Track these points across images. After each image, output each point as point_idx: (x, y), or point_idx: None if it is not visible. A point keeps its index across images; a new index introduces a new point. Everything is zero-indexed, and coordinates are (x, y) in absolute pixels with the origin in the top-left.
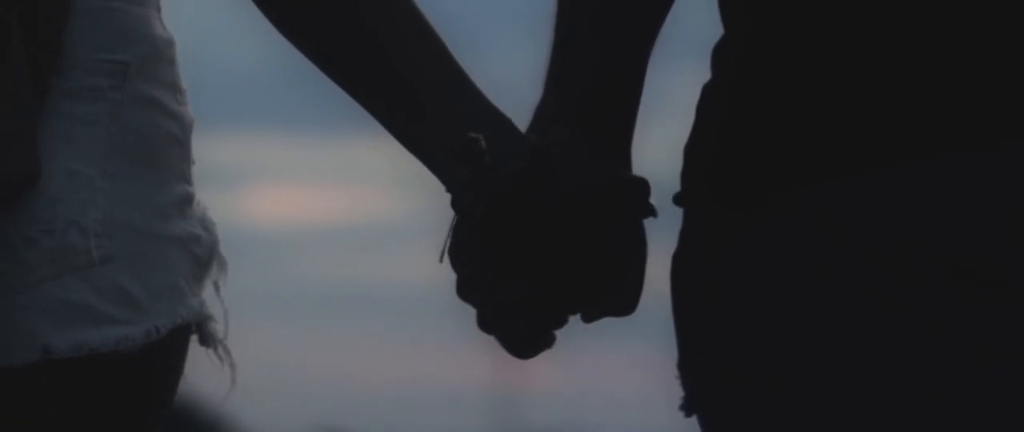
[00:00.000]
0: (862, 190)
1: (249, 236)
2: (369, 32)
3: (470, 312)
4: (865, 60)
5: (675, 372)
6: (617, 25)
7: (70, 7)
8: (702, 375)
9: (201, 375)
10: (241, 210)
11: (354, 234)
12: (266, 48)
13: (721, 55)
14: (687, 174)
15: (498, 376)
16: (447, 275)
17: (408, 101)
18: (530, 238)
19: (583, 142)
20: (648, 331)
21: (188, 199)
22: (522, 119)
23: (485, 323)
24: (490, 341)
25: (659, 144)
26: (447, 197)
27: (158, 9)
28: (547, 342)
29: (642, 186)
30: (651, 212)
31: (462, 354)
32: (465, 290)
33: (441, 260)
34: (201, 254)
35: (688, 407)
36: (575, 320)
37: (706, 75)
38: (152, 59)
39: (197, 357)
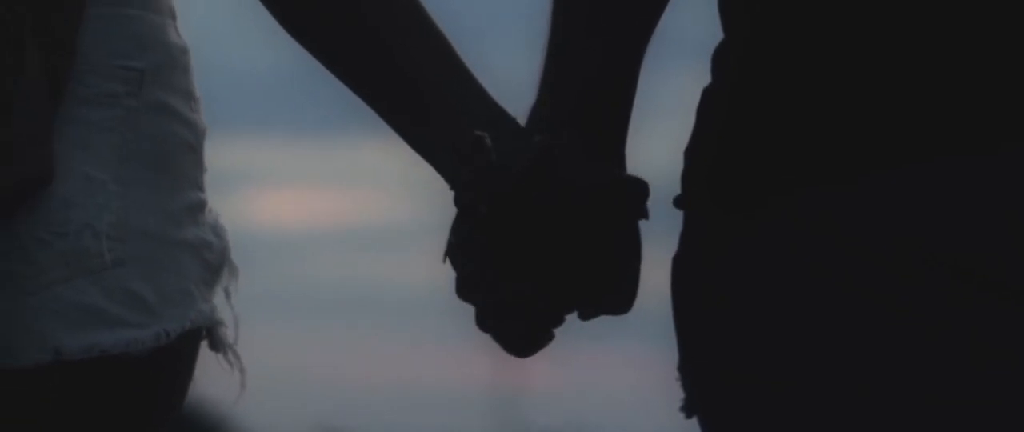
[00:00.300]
0: (862, 192)
1: (251, 238)
2: (374, 30)
3: (470, 313)
4: (865, 62)
5: (675, 373)
6: (612, 27)
7: (84, 9)
8: (703, 377)
9: (204, 377)
10: (243, 212)
11: (355, 236)
12: (269, 52)
13: (721, 59)
14: (687, 177)
15: (498, 377)
16: (447, 276)
17: (413, 99)
18: (531, 237)
19: (580, 144)
20: (648, 332)
21: (200, 205)
22: (523, 119)
23: (484, 322)
24: (490, 341)
25: (657, 146)
26: (449, 199)
27: (173, 17)
28: (545, 341)
29: (641, 187)
30: (645, 214)
31: (462, 355)
32: (465, 289)
33: (444, 260)
34: (212, 260)
35: (688, 409)
36: (575, 321)
37: (703, 78)
38: (167, 66)
39: (201, 359)
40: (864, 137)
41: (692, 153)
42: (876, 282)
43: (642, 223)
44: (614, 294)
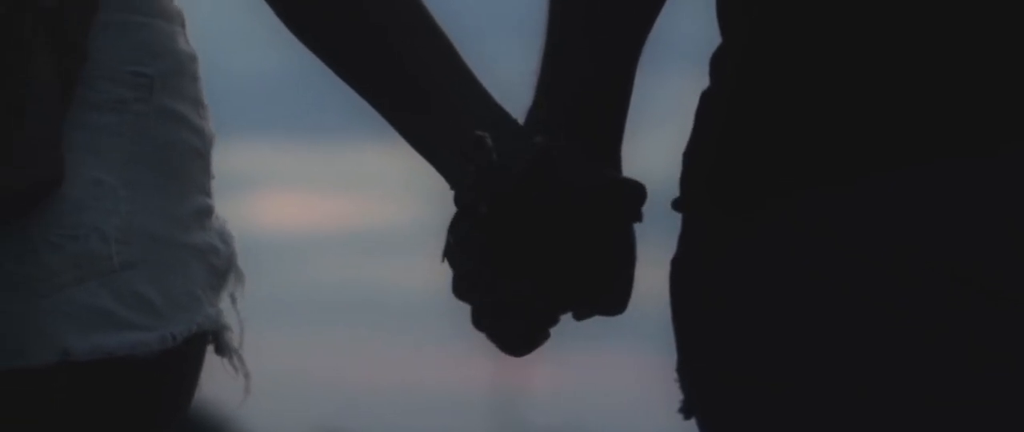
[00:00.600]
0: (861, 195)
1: (254, 241)
2: (377, 28)
3: (470, 319)
4: (864, 65)
5: (674, 375)
6: (608, 28)
7: (96, 14)
8: (701, 378)
9: (206, 379)
10: (246, 216)
11: (358, 240)
12: (272, 55)
13: (719, 62)
14: (686, 179)
15: (498, 378)
16: (448, 279)
17: (415, 98)
18: (530, 237)
19: (577, 146)
20: (647, 333)
21: (207, 211)
22: (521, 119)
23: (480, 321)
24: (487, 341)
25: (654, 150)
26: (452, 203)
27: (183, 25)
28: (542, 340)
29: (639, 189)
30: (639, 217)
31: (463, 357)
32: (462, 288)
33: (442, 259)
34: (219, 265)
35: (687, 410)
36: (574, 323)
37: (700, 82)
38: (176, 73)
39: (205, 362)
40: (863, 139)
41: (691, 156)
42: (875, 285)
43: (639, 225)
44: (610, 294)
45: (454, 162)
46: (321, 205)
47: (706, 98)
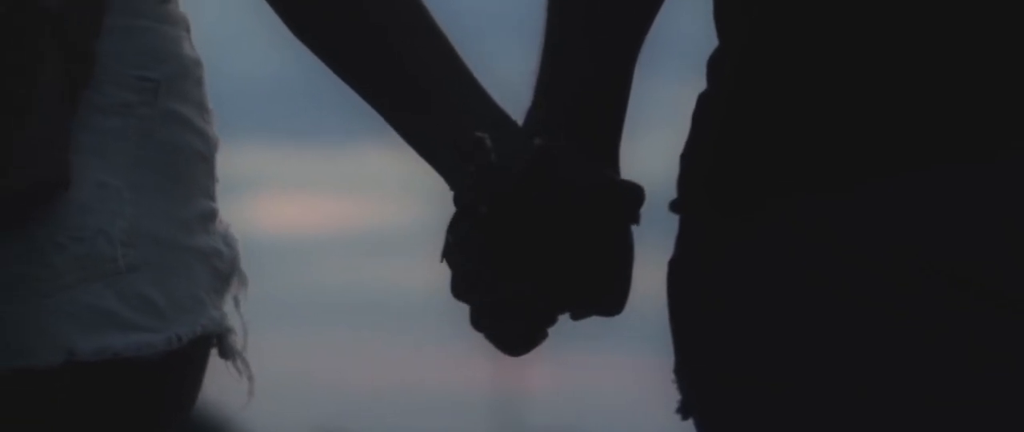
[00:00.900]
0: (859, 199)
1: (256, 243)
2: (376, 29)
3: (469, 320)
4: (863, 70)
5: (671, 376)
6: (607, 30)
7: (103, 18)
8: (700, 379)
9: (208, 380)
10: (248, 217)
11: (358, 241)
12: (274, 59)
13: (717, 65)
14: (684, 181)
15: (498, 380)
16: (447, 279)
17: (414, 99)
18: (530, 237)
19: (576, 146)
20: (646, 335)
21: (212, 215)
22: (520, 119)
23: (479, 321)
24: (490, 346)
25: (650, 152)
26: (451, 203)
27: (188, 30)
28: (540, 340)
29: (637, 191)
30: (637, 219)
31: (463, 358)
32: (462, 289)
33: (442, 259)
34: (222, 268)
35: (684, 410)
36: (573, 326)
37: (695, 85)
38: (181, 78)
39: (208, 363)
40: (861, 145)
41: (688, 158)
42: (873, 289)
43: (637, 227)
44: (609, 295)
45: (453, 162)
46: (322, 207)
47: (703, 100)
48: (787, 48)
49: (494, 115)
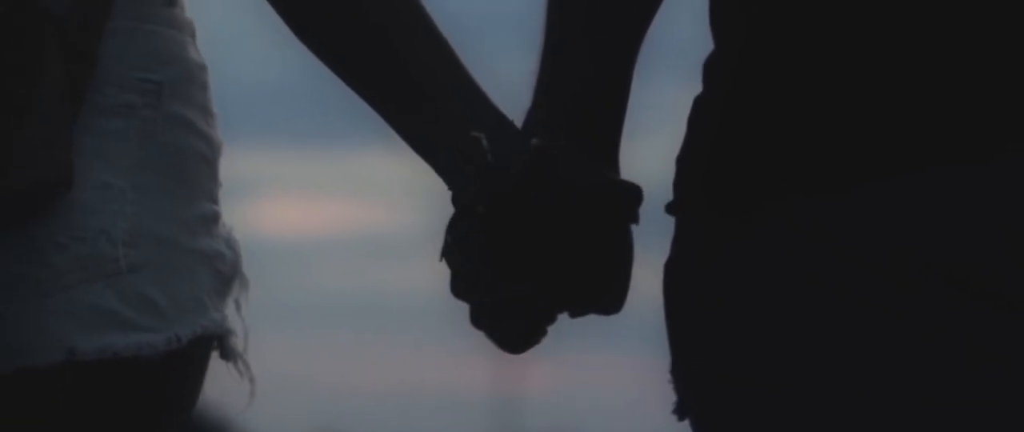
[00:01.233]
0: (857, 201)
1: (257, 246)
2: (376, 29)
3: (469, 320)
4: (860, 72)
5: (667, 377)
6: (607, 29)
7: (107, 20)
8: (698, 380)
9: (208, 380)
10: (249, 220)
11: (359, 244)
12: (275, 63)
13: (714, 68)
14: (681, 182)
15: (498, 381)
16: (447, 282)
17: (414, 99)
18: (529, 237)
19: (575, 146)
20: (645, 336)
21: (214, 217)
22: (519, 120)
23: (479, 320)
24: (489, 345)
25: (646, 154)
26: (451, 207)
27: (193, 36)
28: (540, 338)
29: (636, 191)
30: (636, 218)
31: (462, 360)
32: (461, 288)
33: (441, 259)
34: (224, 271)
35: (680, 411)
36: (572, 328)
37: (690, 88)
38: (185, 81)
39: (209, 365)
40: (858, 147)
41: (684, 160)
42: (872, 290)
43: (634, 229)
44: (608, 294)
45: (453, 163)
46: (324, 210)
47: (699, 103)
48: (784, 50)
49: (492, 116)
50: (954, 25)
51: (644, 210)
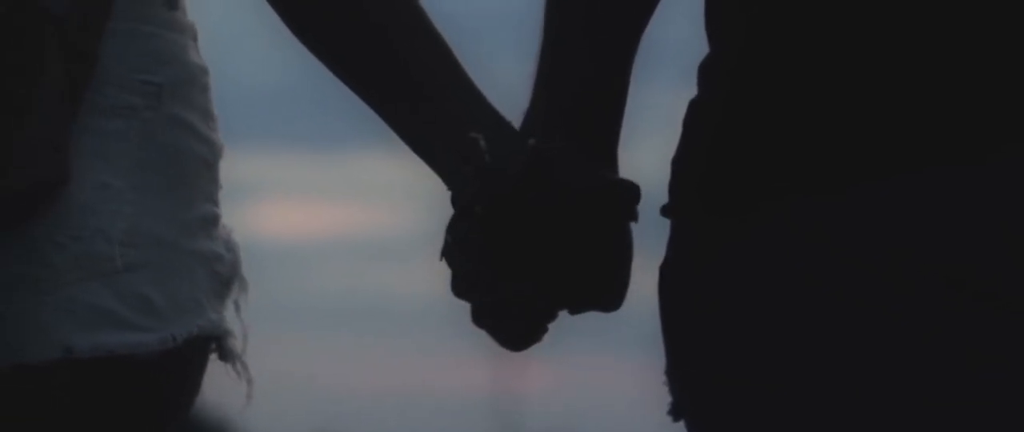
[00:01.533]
0: (854, 201)
1: (257, 248)
2: (376, 29)
3: (470, 320)
4: (857, 72)
5: (663, 378)
6: (606, 29)
7: (107, 20)
8: (694, 381)
9: (207, 381)
10: (249, 223)
11: (359, 247)
12: (276, 66)
13: (710, 70)
14: (676, 185)
15: (497, 383)
16: (447, 283)
17: (413, 100)
18: (528, 237)
19: (574, 146)
20: (643, 337)
21: (214, 219)
22: (518, 120)
23: (480, 319)
24: (489, 347)
25: (642, 157)
26: (451, 208)
27: (194, 38)
28: (541, 336)
29: (634, 189)
30: (635, 217)
31: (462, 362)
32: (461, 288)
33: (441, 258)
34: (223, 272)
35: (676, 412)
36: (571, 330)
37: (685, 92)
38: (186, 83)
39: (208, 366)
40: (855, 147)
41: (680, 162)
42: (869, 290)
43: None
44: (608, 293)
45: (452, 164)
46: (324, 213)
47: (694, 106)
48: (782, 51)
49: (490, 117)
50: (950, 26)
51: (641, 213)
